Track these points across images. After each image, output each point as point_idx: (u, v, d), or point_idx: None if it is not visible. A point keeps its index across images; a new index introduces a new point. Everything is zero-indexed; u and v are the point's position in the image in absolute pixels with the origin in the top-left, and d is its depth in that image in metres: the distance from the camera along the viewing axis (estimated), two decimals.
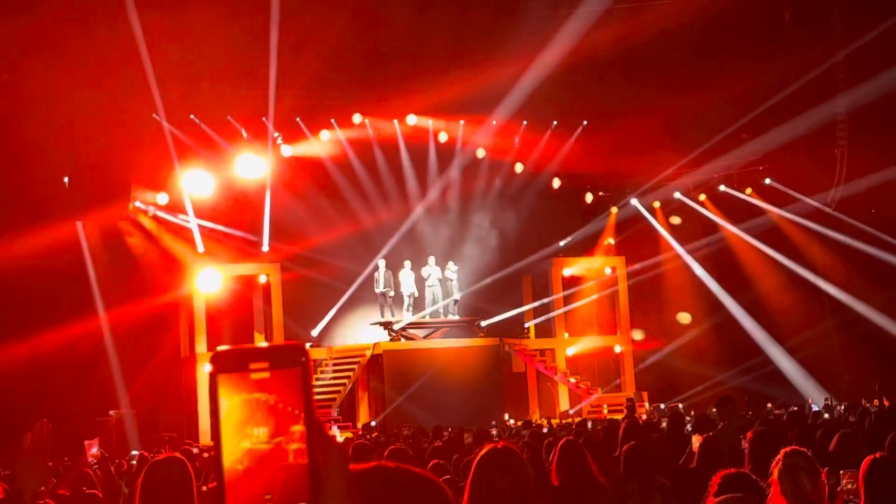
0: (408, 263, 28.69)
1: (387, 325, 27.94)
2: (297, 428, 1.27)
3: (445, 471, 7.79)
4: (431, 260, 28.91)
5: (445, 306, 28.96)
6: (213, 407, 1.27)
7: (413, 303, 28.68)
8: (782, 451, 5.01)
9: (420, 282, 28.74)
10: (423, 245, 30.26)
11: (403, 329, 28.11)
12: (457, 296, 28.97)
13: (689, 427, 12.00)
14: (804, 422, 11.47)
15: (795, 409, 16.14)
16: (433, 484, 1.82)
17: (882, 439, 9.32)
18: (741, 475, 4.85)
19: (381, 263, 28.29)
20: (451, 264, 29.06)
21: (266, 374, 1.28)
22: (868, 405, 18.44)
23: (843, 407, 18.84)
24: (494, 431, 18.77)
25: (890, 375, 24.90)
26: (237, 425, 1.27)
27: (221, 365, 1.29)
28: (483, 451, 4.42)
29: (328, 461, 1.30)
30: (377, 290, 28.20)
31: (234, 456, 1.26)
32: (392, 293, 28.31)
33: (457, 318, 29.04)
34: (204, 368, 25.76)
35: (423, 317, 28.86)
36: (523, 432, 14.97)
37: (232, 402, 1.27)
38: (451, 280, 28.87)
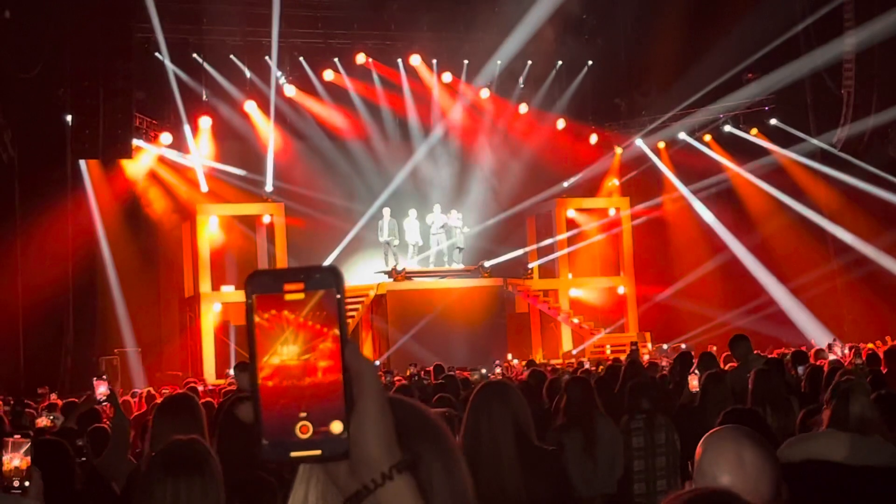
0: (412, 212, 28.59)
1: (391, 274, 27.88)
2: (327, 345, 1.29)
3: (450, 404, 7.83)
4: (436, 208, 28.76)
5: (450, 255, 28.92)
6: (249, 327, 1.30)
7: (417, 251, 28.68)
8: (834, 385, 5.05)
9: (424, 230, 28.70)
10: (426, 187, 30.19)
11: (408, 274, 28.04)
12: (461, 244, 28.88)
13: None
14: (808, 361, 11.50)
15: (799, 349, 16.19)
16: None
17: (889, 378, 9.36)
18: (747, 411, 4.88)
19: (386, 212, 28.11)
20: (455, 212, 28.95)
21: (301, 296, 1.30)
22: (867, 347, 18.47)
23: (847, 348, 18.88)
24: (499, 370, 18.84)
25: (893, 316, 25.01)
26: (268, 343, 1.29)
27: (256, 286, 1.31)
28: (481, 385, 4.54)
29: (362, 379, 1.31)
30: (381, 239, 28.07)
31: (264, 372, 1.29)
32: (396, 242, 28.19)
33: (461, 266, 28.96)
34: (214, 307, 26.00)
35: (428, 264, 28.87)
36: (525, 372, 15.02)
37: (262, 320, 1.29)
38: (456, 228, 28.76)
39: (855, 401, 4.84)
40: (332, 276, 1.31)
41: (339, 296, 1.31)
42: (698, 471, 2.80)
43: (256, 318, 1.29)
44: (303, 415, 1.28)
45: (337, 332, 1.30)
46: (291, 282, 1.30)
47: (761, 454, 2.74)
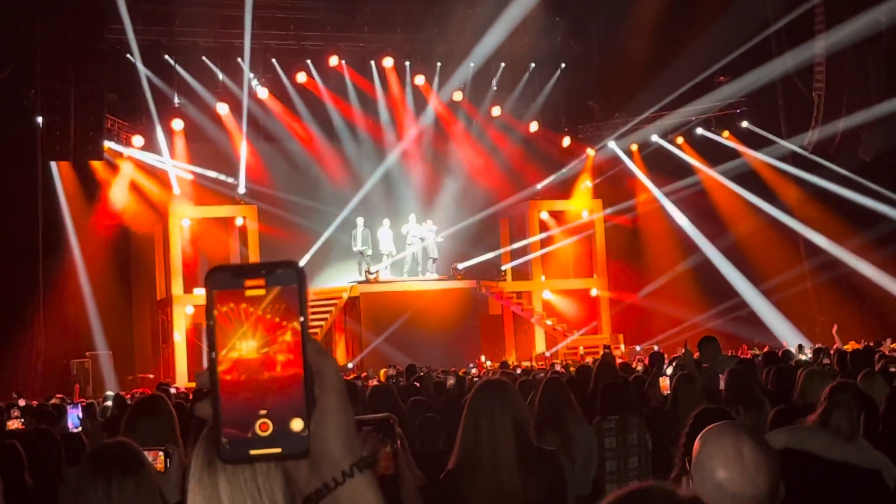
0: (386, 221, 28.46)
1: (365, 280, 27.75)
2: (286, 338, 1.27)
3: (427, 408, 7.82)
4: (411, 218, 28.71)
5: (423, 264, 28.84)
6: (208, 322, 1.28)
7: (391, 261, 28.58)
8: (830, 386, 5.10)
9: (398, 239, 28.63)
10: (400, 192, 30.08)
11: (381, 281, 27.88)
12: (435, 254, 28.82)
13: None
14: (779, 362, 11.56)
15: (769, 350, 16.30)
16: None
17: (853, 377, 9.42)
18: (718, 410, 4.89)
19: (360, 222, 28.00)
20: (429, 223, 28.86)
21: (262, 291, 1.28)
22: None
23: (814, 348, 18.98)
24: (475, 370, 18.92)
25: (863, 317, 25.18)
26: (226, 337, 1.27)
27: (216, 282, 1.28)
28: (480, 383, 4.55)
29: (323, 376, 1.30)
30: (355, 249, 27.94)
31: (222, 366, 1.26)
32: (370, 252, 28.10)
33: (435, 276, 28.85)
34: (186, 309, 25.87)
35: (402, 273, 28.77)
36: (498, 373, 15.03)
37: (221, 314, 1.27)
38: (429, 239, 28.66)
39: (844, 410, 4.90)
40: (294, 272, 1.29)
41: (300, 291, 1.29)
42: (696, 465, 2.78)
43: (215, 312, 1.27)
44: (262, 412, 1.25)
45: (297, 325, 1.28)
46: (252, 277, 1.28)
47: (760, 450, 2.73)
